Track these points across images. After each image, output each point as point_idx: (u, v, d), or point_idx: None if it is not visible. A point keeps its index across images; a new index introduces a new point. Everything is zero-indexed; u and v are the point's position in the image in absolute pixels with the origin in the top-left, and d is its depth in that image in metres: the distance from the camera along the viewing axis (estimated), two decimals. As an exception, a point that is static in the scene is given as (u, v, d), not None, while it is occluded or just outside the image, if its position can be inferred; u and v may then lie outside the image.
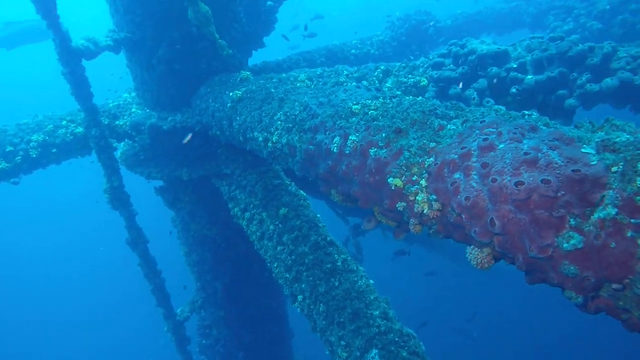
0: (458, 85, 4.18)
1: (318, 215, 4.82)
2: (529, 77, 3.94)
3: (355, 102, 2.71)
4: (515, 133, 1.74)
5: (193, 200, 6.03)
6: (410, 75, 4.48)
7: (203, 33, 4.47)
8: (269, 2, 5.66)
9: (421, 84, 4.37)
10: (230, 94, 3.99)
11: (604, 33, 6.60)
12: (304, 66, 6.41)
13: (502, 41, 4.64)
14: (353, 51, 7.11)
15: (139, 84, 5.26)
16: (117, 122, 5.57)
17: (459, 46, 4.27)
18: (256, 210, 4.71)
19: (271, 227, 4.57)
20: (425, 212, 2.08)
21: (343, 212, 8.11)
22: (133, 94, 6.03)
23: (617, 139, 1.59)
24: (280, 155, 3.25)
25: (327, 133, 2.71)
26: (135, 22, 4.58)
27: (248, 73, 4.32)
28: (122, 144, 5.66)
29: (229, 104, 3.95)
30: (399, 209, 2.26)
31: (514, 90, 3.96)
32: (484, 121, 1.91)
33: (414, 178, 2.13)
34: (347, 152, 2.51)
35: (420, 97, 2.55)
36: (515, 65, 4.01)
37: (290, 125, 3.06)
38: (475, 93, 4.09)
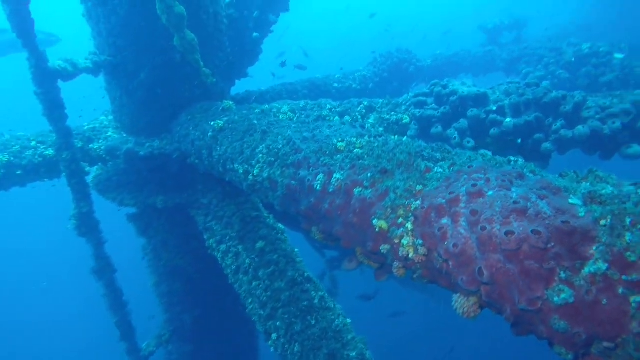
0: (440, 124, 4.25)
1: (296, 250, 4.70)
2: (508, 120, 4.05)
3: (340, 139, 2.68)
4: (504, 180, 1.72)
5: (166, 229, 5.80)
6: (392, 113, 4.54)
7: (187, 60, 4.44)
8: (254, 34, 5.71)
9: (403, 121, 4.42)
10: (212, 123, 3.91)
11: (571, 81, 6.96)
12: (286, 98, 6.44)
13: (478, 82, 4.79)
14: (336, 85, 7.21)
15: (117, 107, 5.13)
16: (91, 146, 5.37)
17: (441, 86, 4.38)
18: (232, 242, 4.55)
19: (247, 260, 4.42)
20: (410, 256, 2.02)
21: (320, 245, 7.99)
22: (110, 117, 5.88)
23: (603, 191, 1.59)
24: (261, 189, 3.16)
25: (310, 169, 2.66)
26: (118, 46, 4.50)
27: (231, 103, 4.27)
28: (96, 168, 5.45)
29: (209, 133, 3.87)
30: (382, 251, 2.19)
31: (493, 132, 4.05)
32: (472, 166, 1.90)
33: (399, 221, 2.08)
34: (330, 190, 2.45)
35: (405, 138, 2.54)
36: (494, 108, 4.11)
37: (273, 159, 3.00)
38: (456, 133, 4.15)
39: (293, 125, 3.30)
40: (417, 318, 14.97)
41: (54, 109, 4.43)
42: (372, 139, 2.57)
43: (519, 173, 1.81)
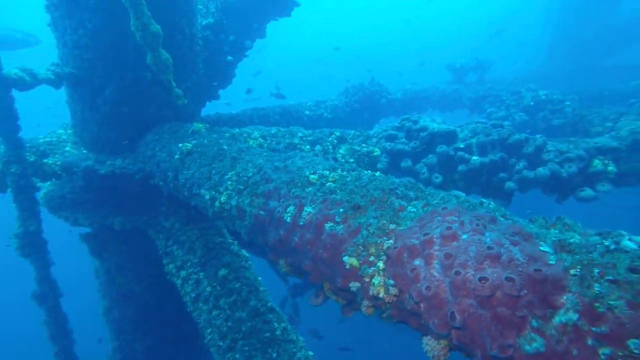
0: (409, 159, 4.32)
1: (259, 278, 4.55)
2: (475, 158, 4.18)
3: (312, 171, 2.64)
4: (477, 225, 1.73)
5: (123, 251, 5.48)
6: (364, 144, 4.57)
7: (159, 79, 4.32)
8: (229, 57, 5.68)
9: (374, 154, 4.46)
10: (180, 145, 3.78)
11: (530, 124, 7.37)
12: (257, 122, 6.39)
13: (444, 118, 4.94)
14: (307, 112, 7.25)
15: (78, 122, 4.88)
16: (45, 160, 5.05)
17: (412, 122, 4.48)
18: (193, 269, 4.35)
19: (208, 288, 4.22)
20: (380, 295, 1.97)
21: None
22: (69, 131, 5.58)
23: (572, 240, 1.62)
24: (228, 217, 3.05)
25: (281, 200, 2.59)
26: (84, 59, 4.32)
27: (201, 125, 4.16)
28: (48, 184, 5.11)
29: (177, 156, 3.73)
30: (352, 289, 2.13)
31: (461, 168, 4.16)
32: (446, 208, 1.90)
33: (370, 259, 2.04)
34: (301, 223, 2.39)
35: (379, 173, 2.54)
36: (462, 146, 4.24)
37: (242, 187, 2.91)
38: (425, 168, 4.23)
39: (264, 154, 3.23)
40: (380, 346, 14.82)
41: (6, 120, 4.16)
42: (345, 172, 2.55)
43: (492, 217, 1.82)
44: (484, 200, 2.07)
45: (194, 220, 4.64)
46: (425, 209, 2.05)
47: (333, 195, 2.36)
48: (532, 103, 7.26)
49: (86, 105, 4.62)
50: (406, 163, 4.31)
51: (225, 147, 3.49)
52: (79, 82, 4.42)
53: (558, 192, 4.18)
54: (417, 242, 1.84)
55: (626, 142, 4.25)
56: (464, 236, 1.72)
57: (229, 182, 3.00)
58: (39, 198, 4.72)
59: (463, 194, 2.11)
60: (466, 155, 4.19)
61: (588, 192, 3.99)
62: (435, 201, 2.08)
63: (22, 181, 4.34)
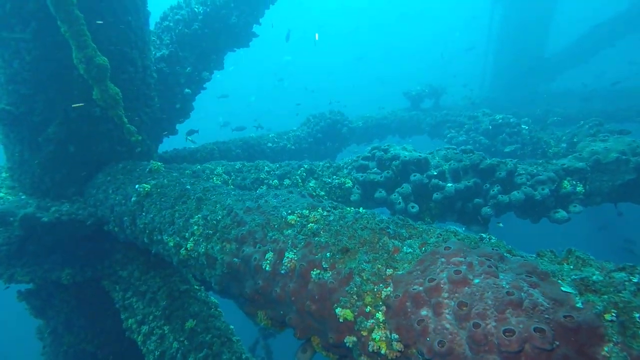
0: (383, 189, 4.17)
1: (231, 327, 4.15)
2: (449, 185, 4.10)
3: (289, 211, 2.38)
4: (489, 266, 1.54)
5: (72, 307, 4.85)
6: (334, 176, 4.39)
7: (108, 115, 3.96)
8: (186, 90, 5.40)
9: (346, 185, 4.28)
10: (137, 186, 3.41)
11: (490, 147, 7.55)
12: (218, 157, 6.07)
13: (403, 143, 4.87)
14: (270, 144, 7.03)
15: (15, 163, 4.36)
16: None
17: (382, 151, 4.36)
18: (157, 322, 3.87)
19: (175, 344, 3.75)
20: (382, 352, 1.72)
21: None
22: (4, 175, 4.99)
23: (594, 278, 1.47)
24: (195, 265, 2.70)
25: (257, 246, 2.30)
26: (22, 94, 3.89)
27: (159, 164, 3.81)
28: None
29: (133, 198, 3.35)
30: (347, 344, 1.86)
31: (436, 196, 4.06)
32: (449, 248, 1.71)
33: (367, 309, 1.79)
34: (282, 271, 2.11)
35: (364, 210, 2.33)
36: (435, 173, 4.16)
37: (211, 231, 2.59)
38: (400, 198, 4.09)
39: (233, 192, 2.95)
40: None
41: None
42: (326, 212, 2.32)
43: (500, 255, 1.65)
44: (484, 235, 1.90)
45: (154, 267, 4.19)
46: (424, 248, 1.85)
47: (317, 238, 2.11)
48: (490, 127, 7.47)
49: (25, 145, 4.14)
50: (380, 194, 4.16)
51: (188, 186, 3.16)
52: (16, 120, 3.96)
53: (531, 215, 4.16)
54: (422, 288, 1.62)
55: (589, 163, 4.35)
56: (476, 280, 1.52)
57: (196, 227, 2.67)
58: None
59: (461, 230, 1.93)
60: (440, 183, 4.10)
61: (562, 213, 3.99)
62: (432, 239, 1.89)
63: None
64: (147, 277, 4.10)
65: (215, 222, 2.60)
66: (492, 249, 1.68)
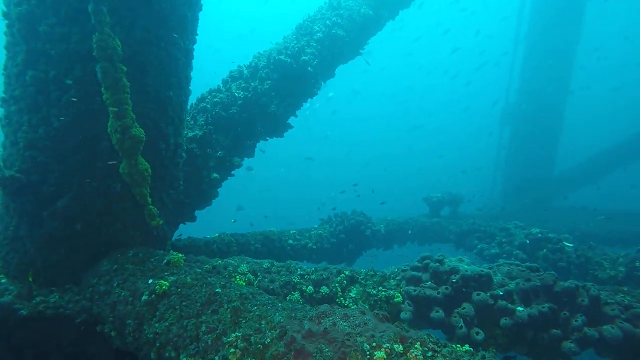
0: (440, 308, 3.46)
1: None
2: (520, 308, 3.39)
3: (373, 344, 1.70)
4: None
5: None
6: (380, 287, 3.70)
7: (130, 192, 3.44)
8: (214, 174, 4.98)
9: (395, 300, 3.58)
10: (150, 281, 2.73)
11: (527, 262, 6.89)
12: (235, 250, 5.40)
13: (423, 251, 4.25)
14: (290, 241, 6.41)
15: (6, 239, 3.71)
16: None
17: (437, 262, 3.75)
18: None
19: None
20: None
21: None
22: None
23: None
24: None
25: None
26: (38, 162, 3.42)
27: (180, 255, 3.17)
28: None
29: (144, 297, 2.64)
30: None
31: (504, 322, 3.33)
32: None
33: None
34: None
35: (485, 353, 1.64)
36: (501, 293, 3.48)
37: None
38: (461, 321, 3.35)
39: (280, 305, 2.27)
40: None
41: None
42: (430, 351, 1.64)
43: None
44: None
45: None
46: None
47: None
48: (527, 241, 6.90)
49: (24, 220, 3.54)
50: (437, 314, 3.43)
51: (219, 289, 2.48)
52: (22, 189, 3.43)
53: (627, 359, 3.37)
54: None
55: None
56: None
57: (232, 350, 1.94)
58: None
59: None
60: (509, 305, 3.41)
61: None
62: None
63: None
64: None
65: (261, 346, 1.88)
66: None
